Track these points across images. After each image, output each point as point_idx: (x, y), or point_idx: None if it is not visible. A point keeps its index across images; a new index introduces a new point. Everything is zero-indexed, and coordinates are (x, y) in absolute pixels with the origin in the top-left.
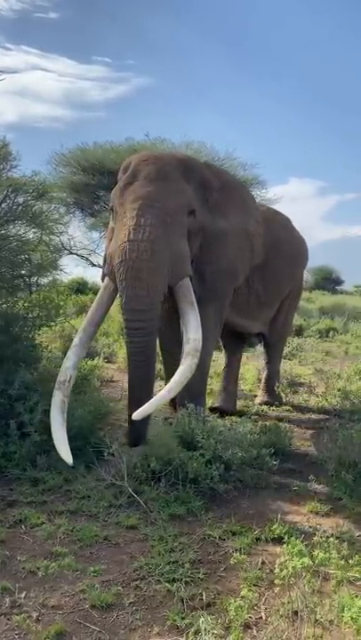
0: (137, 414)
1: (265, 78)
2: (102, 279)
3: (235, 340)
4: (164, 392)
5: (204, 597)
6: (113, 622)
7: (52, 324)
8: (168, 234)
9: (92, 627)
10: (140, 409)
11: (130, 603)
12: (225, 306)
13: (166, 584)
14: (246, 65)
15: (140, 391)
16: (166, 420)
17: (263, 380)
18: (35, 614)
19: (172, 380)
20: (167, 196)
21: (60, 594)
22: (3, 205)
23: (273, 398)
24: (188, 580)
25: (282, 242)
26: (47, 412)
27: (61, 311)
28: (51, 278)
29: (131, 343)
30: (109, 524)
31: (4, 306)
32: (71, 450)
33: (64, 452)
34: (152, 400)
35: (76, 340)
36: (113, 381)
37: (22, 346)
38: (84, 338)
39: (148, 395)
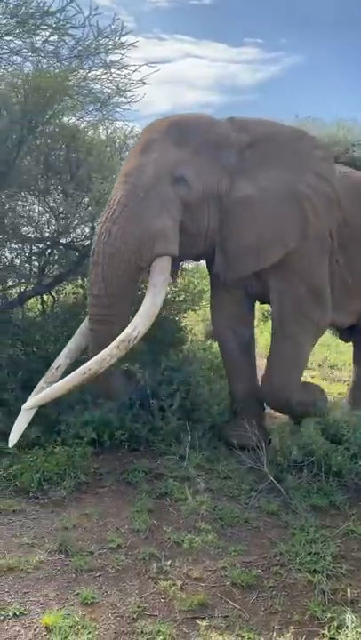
0: (26, 405)
1: None
2: None
3: (348, 333)
4: (60, 382)
5: (348, 594)
6: (253, 603)
7: (197, 307)
8: (140, 209)
9: (233, 603)
10: (34, 399)
11: (270, 587)
12: (320, 292)
13: (307, 574)
14: None
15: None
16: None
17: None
18: (179, 583)
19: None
20: (142, 168)
21: (202, 567)
22: None
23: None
24: (329, 573)
25: None
26: (187, 396)
27: (204, 295)
28: (194, 264)
29: (90, 330)
30: (250, 507)
31: None
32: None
33: (14, 433)
34: (47, 390)
35: (77, 330)
36: None
37: (170, 328)
38: (85, 326)
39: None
